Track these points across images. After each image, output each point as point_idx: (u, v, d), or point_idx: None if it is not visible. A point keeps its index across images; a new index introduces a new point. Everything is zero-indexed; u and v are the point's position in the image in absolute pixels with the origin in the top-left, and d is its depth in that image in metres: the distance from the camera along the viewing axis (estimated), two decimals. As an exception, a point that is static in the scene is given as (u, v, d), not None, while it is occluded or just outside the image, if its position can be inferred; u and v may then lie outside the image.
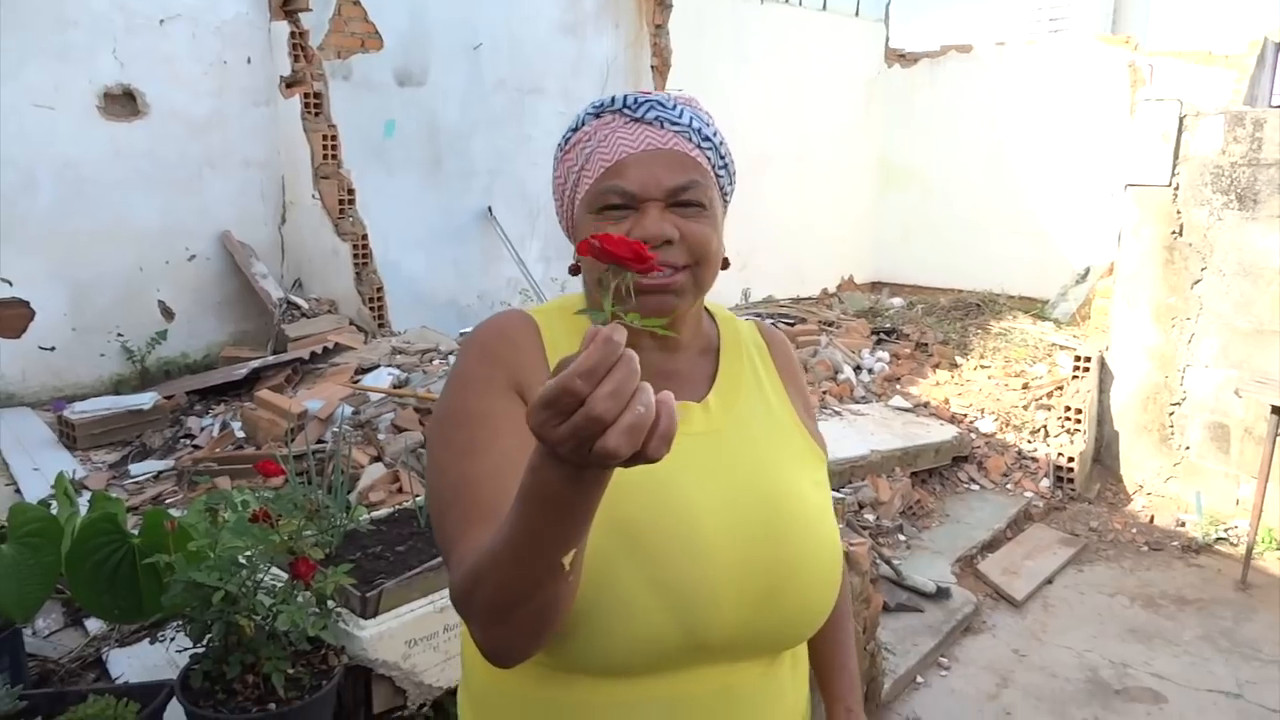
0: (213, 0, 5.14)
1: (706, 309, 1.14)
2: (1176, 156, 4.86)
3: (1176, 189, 4.89)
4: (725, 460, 1.00)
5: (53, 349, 4.78)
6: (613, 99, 1.01)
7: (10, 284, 4.64)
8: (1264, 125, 4.57)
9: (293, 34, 5.29)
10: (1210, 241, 4.79)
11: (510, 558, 0.73)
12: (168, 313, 5.18)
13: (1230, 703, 3.35)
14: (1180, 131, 4.84)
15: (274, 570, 2.12)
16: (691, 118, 1.00)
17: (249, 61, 5.33)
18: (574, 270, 1.06)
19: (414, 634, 2.22)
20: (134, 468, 3.88)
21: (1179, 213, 4.90)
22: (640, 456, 0.63)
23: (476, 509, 0.86)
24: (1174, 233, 4.93)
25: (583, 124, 1.02)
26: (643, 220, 0.96)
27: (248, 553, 1.99)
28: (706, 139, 1.00)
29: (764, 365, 1.13)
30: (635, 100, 0.99)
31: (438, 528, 0.91)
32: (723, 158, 1.03)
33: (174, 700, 1.99)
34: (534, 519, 0.70)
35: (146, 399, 4.34)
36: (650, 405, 0.62)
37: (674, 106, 1.00)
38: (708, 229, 0.98)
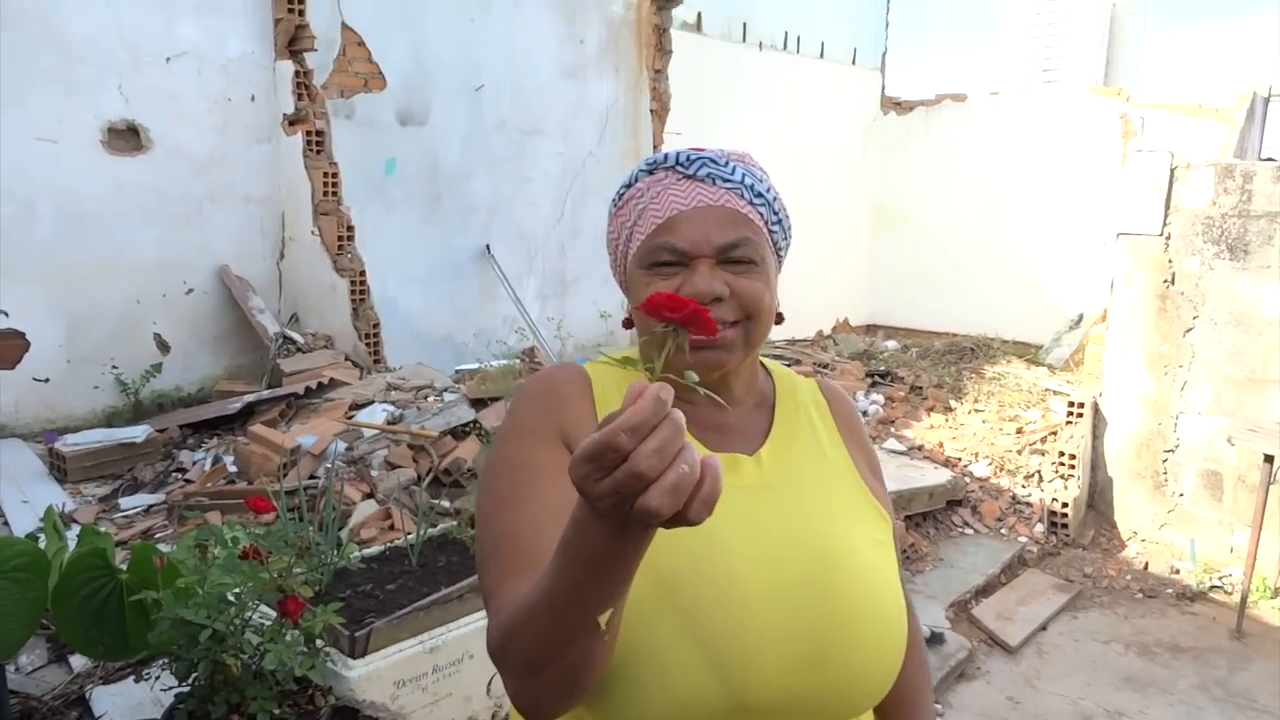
0: (219, 39, 5.21)
1: (763, 364, 1.13)
2: (1168, 207, 4.93)
3: (1168, 238, 4.94)
4: (774, 514, 0.98)
5: (47, 380, 4.77)
6: (665, 156, 1.02)
7: (6, 315, 4.63)
8: (1254, 178, 4.63)
9: (297, 73, 5.36)
10: (1202, 290, 4.83)
11: (547, 612, 0.73)
12: (164, 346, 5.18)
13: (1226, 754, 3.32)
14: (1171, 182, 4.91)
15: (263, 608, 2.11)
16: (744, 174, 1.01)
17: (253, 99, 5.39)
18: (627, 324, 1.07)
19: (402, 675, 2.20)
20: (124, 501, 3.86)
21: (1171, 261, 4.95)
22: (681, 518, 0.62)
23: (514, 560, 0.86)
24: (1166, 281, 4.97)
25: (636, 180, 1.03)
26: (692, 277, 0.96)
27: (236, 590, 1.98)
28: (759, 195, 1.01)
29: (823, 422, 1.11)
30: (688, 157, 1.00)
31: (480, 576, 0.92)
32: (776, 213, 1.03)
33: (157, 740, 1.96)
34: (574, 574, 0.69)
35: (139, 432, 4.32)
36: (695, 465, 0.61)
37: (726, 163, 1.00)
38: (759, 284, 0.98)
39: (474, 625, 2.36)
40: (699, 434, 1.01)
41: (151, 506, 3.83)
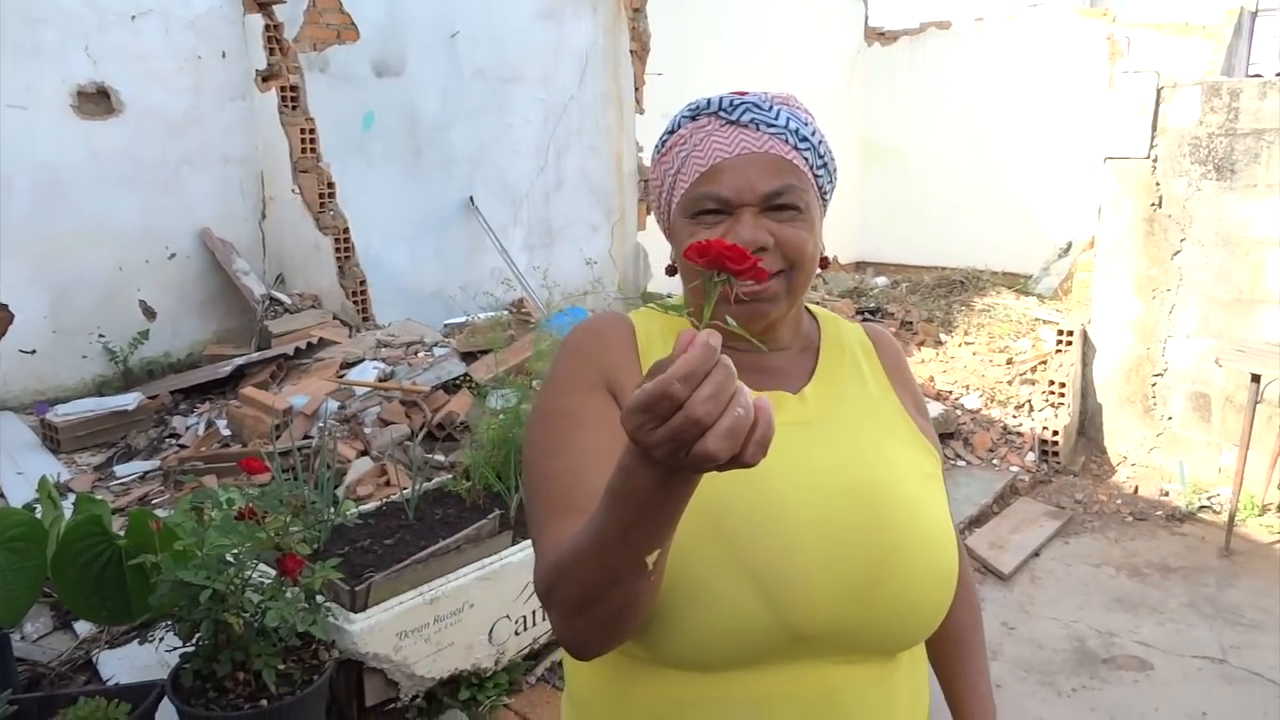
0: (184, -6, 5.09)
1: (808, 308, 1.13)
2: (1154, 128, 4.88)
3: (1155, 161, 4.91)
4: (819, 449, 0.98)
5: (33, 352, 4.74)
6: (708, 101, 1.00)
7: (-12, 287, 4.61)
8: (1240, 95, 4.59)
9: (267, 27, 5.24)
10: (1189, 212, 4.81)
11: (595, 553, 0.74)
12: (149, 312, 5.15)
13: (1215, 668, 3.39)
14: (1158, 103, 4.86)
15: (262, 567, 2.13)
16: (789, 118, 0.99)
17: (224, 56, 5.28)
18: (670, 271, 1.07)
19: (404, 626, 2.23)
20: (119, 469, 3.87)
21: (1158, 184, 4.92)
22: (737, 460, 0.63)
23: (558, 504, 0.87)
24: (1153, 205, 4.95)
25: (679, 127, 1.02)
26: (736, 226, 0.95)
27: (235, 550, 2.00)
28: (804, 139, 0.99)
29: (869, 363, 1.11)
30: (731, 102, 0.99)
31: (529, 522, 0.93)
32: (821, 157, 1.02)
33: (165, 700, 2.00)
34: (622, 517, 0.70)
35: (130, 400, 4.32)
36: (749, 408, 0.62)
37: (770, 108, 0.99)
38: (803, 233, 0.98)
39: (473, 575, 2.39)
40: (744, 376, 0.98)
41: (147, 473, 3.84)
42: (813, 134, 1.01)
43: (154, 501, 3.50)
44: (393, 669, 2.21)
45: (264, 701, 1.95)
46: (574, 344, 1.01)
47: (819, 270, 1.04)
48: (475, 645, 2.41)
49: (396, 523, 2.69)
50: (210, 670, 1.97)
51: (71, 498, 3.23)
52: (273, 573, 2.08)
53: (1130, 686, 3.31)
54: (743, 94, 1.00)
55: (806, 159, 0.99)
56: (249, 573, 1.98)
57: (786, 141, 0.98)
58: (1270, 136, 4.49)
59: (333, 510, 2.81)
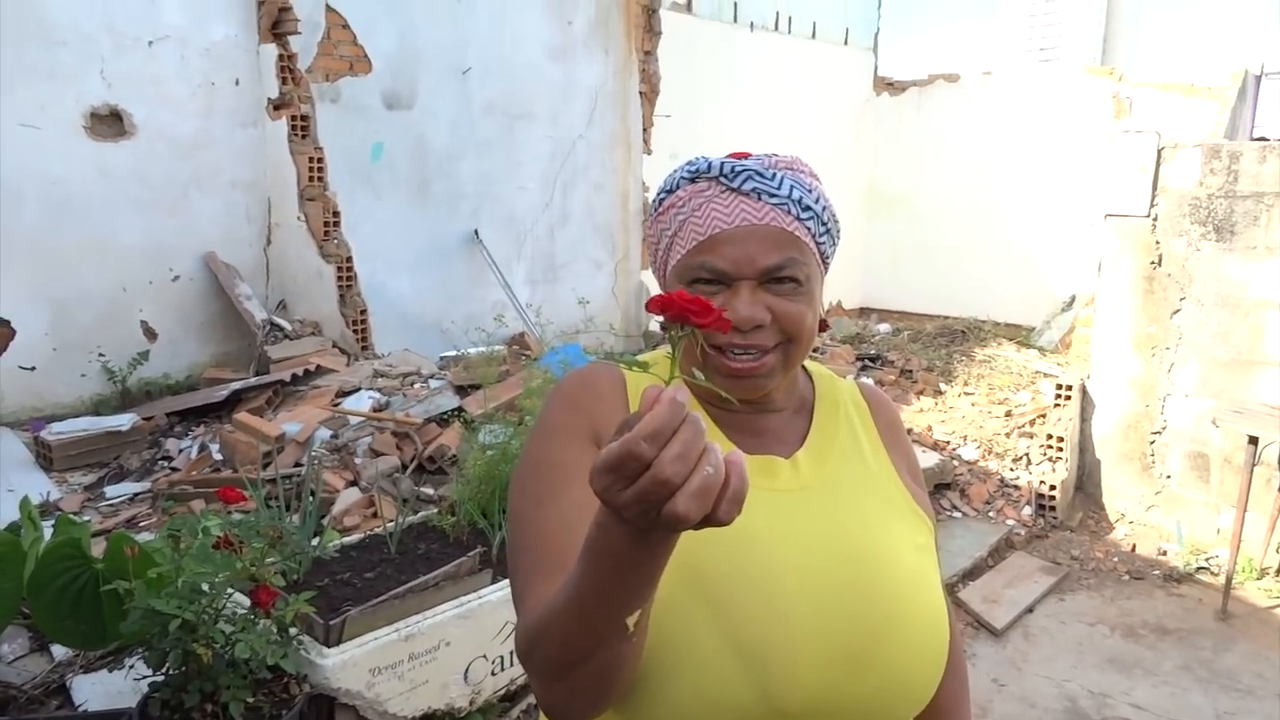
0: (201, 22, 5.16)
1: (804, 367, 1.11)
2: (1155, 187, 4.90)
3: (1155, 219, 4.93)
4: (811, 517, 0.96)
5: (33, 369, 4.75)
6: (709, 164, 0.97)
7: (-9, 303, 4.63)
8: (1240, 158, 4.61)
9: (281, 56, 5.32)
10: (1189, 272, 4.82)
11: (573, 615, 0.72)
12: (150, 333, 5.16)
13: (1207, 734, 3.34)
14: (1159, 163, 4.89)
15: (238, 597, 2.11)
16: (791, 187, 0.96)
17: (237, 83, 5.35)
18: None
19: (378, 662, 2.20)
20: (109, 490, 3.86)
21: (1158, 243, 4.93)
22: (710, 519, 0.61)
23: (545, 561, 0.84)
24: (1153, 263, 4.96)
25: (677, 187, 0.99)
26: (733, 300, 0.93)
27: (210, 580, 1.98)
28: (807, 209, 0.96)
29: (864, 425, 1.08)
30: (733, 169, 0.96)
31: (511, 577, 0.90)
32: (824, 224, 0.99)
33: (132, 729, 1.97)
34: (599, 577, 0.68)
35: (125, 420, 4.32)
36: (719, 466, 0.60)
37: (773, 176, 0.96)
38: (802, 306, 0.95)
39: (450, 613, 2.36)
40: (735, 438, 0.99)
41: (137, 495, 3.83)
42: (816, 201, 0.98)
43: (141, 524, 3.48)
44: (365, 706, 2.18)
45: (231, 734, 1.92)
46: (564, 393, 0.99)
47: (818, 334, 1.02)
48: (450, 684, 2.37)
49: (378, 556, 2.67)
50: (179, 700, 1.94)
51: (60, 517, 3.22)
52: (248, 603, 2.06)
53: (1121, 751, 3.26)
54: (744, 156, 0.98)
55: (809, 228, 0.97)
56: (222, 603, 1.96)
57: (789, 212, 0.95)
58: (1270, 200, 4.51)
59: (316, 541, 2.80)
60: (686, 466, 0.59)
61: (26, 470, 4.08)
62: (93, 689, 2.48)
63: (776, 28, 8.84)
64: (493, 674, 2.48)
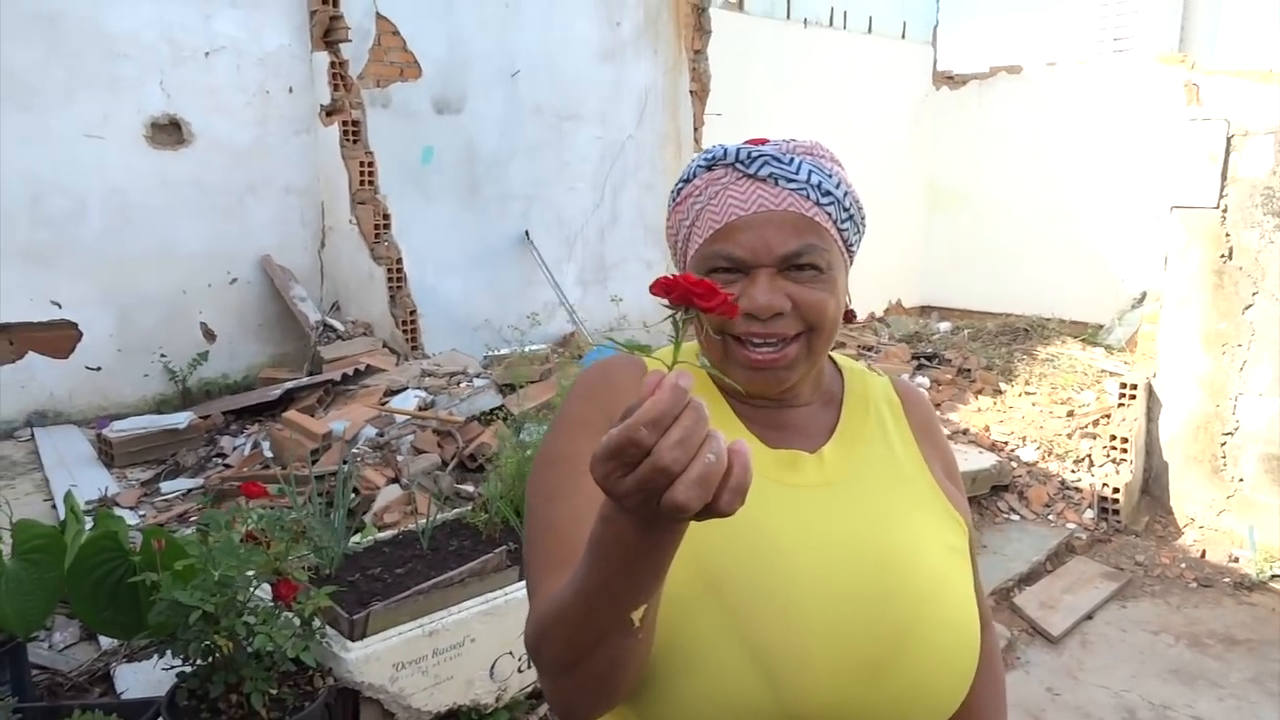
0: (256, 33, 5.30)
1: (833, 360, 1.08)
2: (1225, 177, 4.69)
3: (1225, 211, 4.71)
4: (835, 514, 0.92)
5: (99, 369, 4.93)
6: (725, 151, 0.95)
7: (60, 306, 4.82)
8: (1317, 143, 4.38)
9: (333, 64, 5.43)
10: (1262, 265, 4.59)
11: (579, 609, 0.71)
12: (209, 334, 5.31)
13: (1276, 751, 3.17)
14: (1228, 152, 4.68)
15: (267, 591, 2.14)
16: (810, 172, 0.93)
17: (290, 91, 5.47)
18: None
19: (402, 657, 2.21)
20: (165, 485, 3.98)
21: (1228, 235, 4.71)
22: (712, 510, 0.60)
23: (557, 555, 0.84)
24: (1223, 256, 4.74)
25: (694, 176, 0.97)
26: (751, 290, 0.91)
27: (238, 573, 2.01)
28: (827, 194, 0.93)
29: (895, 422, 1.04)
30: (749, 154, 0.94)
31: (526, 569, 0.90)
32: (847, 209, 0.95)
33: (161, 718, 2.01)
34: (604, 570, 0.67)
35: (182, 419, 4.45)
36: (721, 454, 0.59)
37: (790, 161, 0.93)
38: (823, 294, 0.92)
39: (476, 609, 2.36)
40: (758, 432, 0.97)
41: (190, 490, 3.93)
42: (836, 186, 0.95)
43: (191, 519, 3.58)
44: (389, 700, 2.19)
45: (254, 725, 1.94)
46: (583, 386, 0.98)
47: (843, 324, 0.99)
48: (476, 681, 2.38)
49: (411, 552, 2.69)
50: (205, 690, 1.98)
51: (121, 513, 3.33)
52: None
53: (1181, 765, 3.11)
54: (761, 143, 0.95)
55: (830, 214, 0.94)
56: (247, 596, 1.99)
57: (808, 197, 0.92)
58: (1350, 187, 4.27)
59: (358, 536, 2.83)
60: (687, 454, 0.57)
61: (89, 466, 4.23)
62: (134, 678, 2.55)
63: (831, 23, 8.71)
64: (519, 671, 2.47)
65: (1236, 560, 4.61)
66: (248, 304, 5.45)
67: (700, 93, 7.37)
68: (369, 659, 2.15)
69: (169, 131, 5.07)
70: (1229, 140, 4.64)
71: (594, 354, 4.06)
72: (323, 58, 5.44)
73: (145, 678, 2.56)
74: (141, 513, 3.73)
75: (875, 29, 9.14)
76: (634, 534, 0.63)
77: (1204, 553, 4.71)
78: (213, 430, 4.60)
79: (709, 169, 0.96)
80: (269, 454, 4.14)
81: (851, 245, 0.98)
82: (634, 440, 0.57)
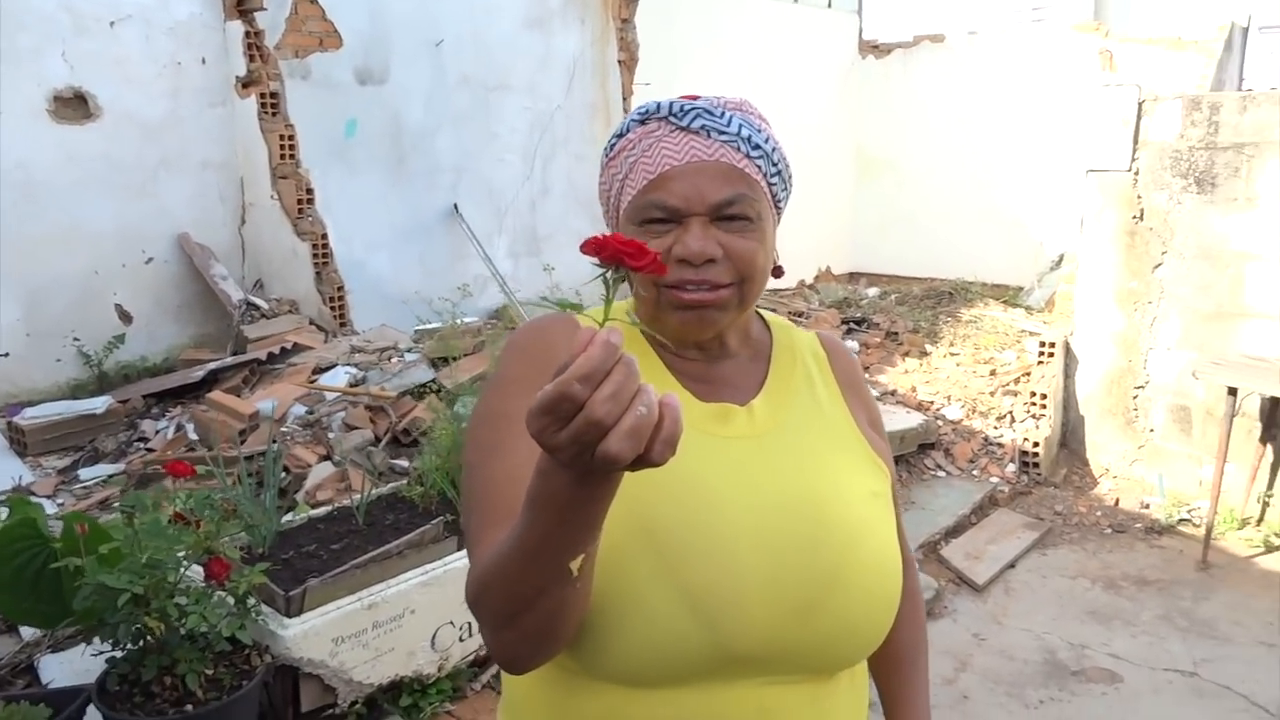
0: (165, 1, 5.08)
1: (760, 315, 1.10)
2: (1136, 141, 4.86)
3: (1136, 174, 4.89)
4: (765, 464, 0.96)
5: (6, 355, 4.72)
6: (658, 105, 0.97)
7: (-38, 290, 4.60)
8: (1220, 109, 4.57)
9: (248, 34, 5.24)
10: (1170, 225, 4.79)
11: (518, 561, 0.72)
12: (126, 316, 5.13)
13: (1185, 681, 3.35)
14: (1139, 117, 4.84)
15: (198, 572, 2.10)
16: (741, 125, 0.96)
17: (204, 62, 5.28)
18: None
19: (341, 631, 2.20)
20: (84, 472, 3.85)
21: (1139, 197, 4.90)
22: (644, 460, 0.61)
23: (495, 511, 0.85)
24: (1135, 217, 4.93)
25: (628, 130, 0.99)
26: (684, 237, 0.92)
27: (166, 554, 1.97)
28: (757, 147, 0.96)
29: (821, 374, 1.08)
30: (681, 108, 0.96)
31: (464, 528, 0.91)
32: (775, 165, 0.99)
33: (92, 706, 1.97)
34: (542, 523, 0.69)
35: (99, 403, 4.30)
36: (652, 406, 0.61)
37: (722, 114, 0.96)
38: (754, 244, 0.95)
39: (415, 580, 2.36)
40: (690, 386, 1.00)
41: (112, 476, 3.82)
42: (765, 141, 0.97)
43: (114, 505, 3.47)
44: (329, 675, 2.18)
45: (189, 706, 1.91)
46: (518, 344, 0.99)
47: (773, 279, 1.02)
48: (417, 651, 2.37)
49: (346, 527, 2.66)
50: (137, 675, 1.94)
51: (39, 501, 3.21)
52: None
53: (1099, 699, 3.27)
54: (694, 99, 0.97)
55: (759, 167, 0.96)
56: (175, 577, 1.95)
57: (739, 149, 0.95)
58: (1250, 151, 4.47)
59: (291, 514, 2.79)
60: (619, 407, 0.59)
61: (1, 455, 4.07)
62: (60, 668, 2.48)
63: (757, -8, 8.72)
64: (460, 640, 2.48)
65: (1148, 506, 4.84)
66: (165, 284, 5.27)
67: (629, 62, 7.32)
68: (307, 634, 2.13)
69: (74, 105, 4.85)
70: (1140, 105, 4.80)
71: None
72: (237, 27, 5.25)
73: (71, 667, 2.49)
74: (60, 500, 3.61)
75: (800, -3, 9.19)
76: (570, 487, 0.65)
77: (1118, 501, 4.94)
78: (133, 414, 4.46)
79: (642, 123, 0.97)
80: (194, 436, 4.04)
81: (779, 201, 1.01)
82: (567, 395, 0.59)
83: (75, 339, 4.89)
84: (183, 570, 1.97)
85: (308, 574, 2.36)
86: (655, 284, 0.94)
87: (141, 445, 4.10)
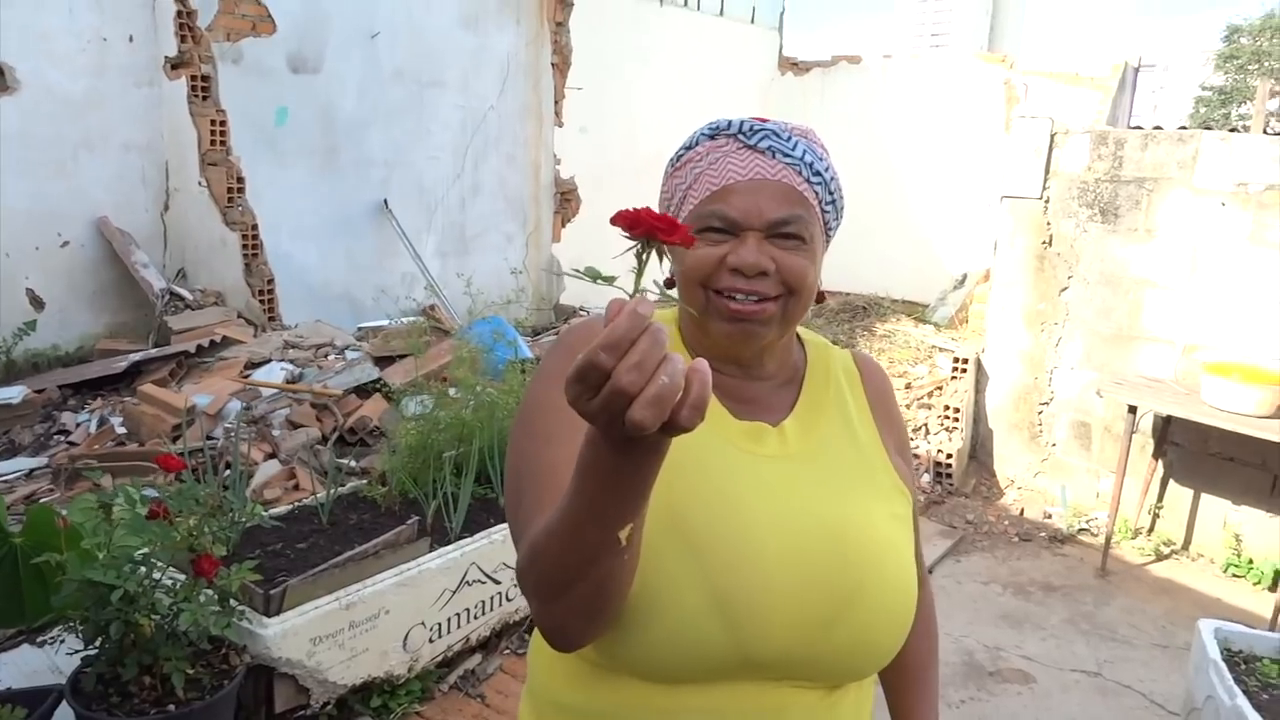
0: (92, -27, 4.87)
1: (799, 336, 1.14)
2: (1048, 171, 5.19)
3: (1047, 201, 5.22)
4: (795, 485, 1.00)
5: (-94, 339, 4.44)
6: (729, 123, 1.02)
7: None
8: (1124, 144, 4.93)
9: (179, 13, 5.06)
10: (1076, 251, 5.13)
11: (568, 531, 0.74)
12: (37, 302, 4.88)
13: (1091, 680, 3.61)
14: (1051, 148, 5.17)
15: (168, 569, 2.06)
16: (805, 151, 1.01)
17: (131, 40, 5.07)
18: (669, 284, 1.07)
19: (319, 631, 2.19)
20: (2, 465, 3.65)
21: (1049, 224, 5.23)
22: (672, 426, 0.63)
23: (551, 494, 0.86)
24: (1044, 243, 5.26)
25: (696, 144, 1.03)
26: (740, 249, 0.97)
27: (144, 550, 1.93)
28: (817, 174, 1.02)
29: (854, 395, 1.12)
30: (751, 127, 1.01)
31: (512, 511, 0.93)
32: (832, 194, 1.04)
33: (64, 705, 1.91)
34: (590, 491, 0.71)
35: (15, 393, 4.08)
36: (675, 376, 0.62)
37: (788, 138, 1.01)
38: (805, 262, 0.99)
39: (390, 581, 2.36)
40: (727, 404, 1.03)
41: (34, 470, 3.64)
42: (826, 169, 1.03)
43: (42, 500, 3.32)
44: (305, 675, 2.16)
45: (171, 707, 1.88)
46: (567, 342, 1.02)
47: (814, 304, 1.06)
48: (389, 652, 2.38)
49: (309, 527, 2.63)
50: (114, 674, 1.89)
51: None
52: (178, 575, 2.01)
53: (1014, 698, 3.49)
54: (764, 120, 1.03)
55: (817, 192, 1.01)
56: (159, 574, 1.91)
57: (800, 173, 1.00)
58: (1150, 185, 4.84)
59: (251, 511, 2.73)
60: (643, 376, 0.61)
61: (-94, 446, 3.83)
62: (5, 669, 2.37)
63: (685, 3, 8.88)
64: (430, 641, 2.49)
65: (1050, 516, 5.16)
66: (81, 269, 5.03)
67: (561, 65, 7.36)
68: (286, 634, 2.11)
69: (-11, 77, 4.60)
70: (1052, 137, 5.13)
71: (478, 325, 4.04)
72: (167, 5, 5.06)
73: (17, 669, 2.39)
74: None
75: (726, 12, 9.39)
76: (612, 455, 0.68)
77: (1023, 510, 5.25)
78: (49, 405, 4.25)
79: (711, 138, 1.03)
80: (122, 430, 3.88)
81: (830, 228, 1.08)
82: (594, 364, 0.61)
83: (-18, 324, 4.63)
84: (166, 567, 1.93)
85: (277, 573, 2.34)
86: (704, 289, 0.99)
87: (62, 438, 3.92)
